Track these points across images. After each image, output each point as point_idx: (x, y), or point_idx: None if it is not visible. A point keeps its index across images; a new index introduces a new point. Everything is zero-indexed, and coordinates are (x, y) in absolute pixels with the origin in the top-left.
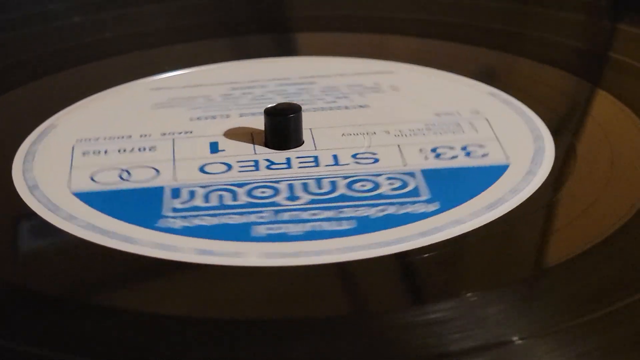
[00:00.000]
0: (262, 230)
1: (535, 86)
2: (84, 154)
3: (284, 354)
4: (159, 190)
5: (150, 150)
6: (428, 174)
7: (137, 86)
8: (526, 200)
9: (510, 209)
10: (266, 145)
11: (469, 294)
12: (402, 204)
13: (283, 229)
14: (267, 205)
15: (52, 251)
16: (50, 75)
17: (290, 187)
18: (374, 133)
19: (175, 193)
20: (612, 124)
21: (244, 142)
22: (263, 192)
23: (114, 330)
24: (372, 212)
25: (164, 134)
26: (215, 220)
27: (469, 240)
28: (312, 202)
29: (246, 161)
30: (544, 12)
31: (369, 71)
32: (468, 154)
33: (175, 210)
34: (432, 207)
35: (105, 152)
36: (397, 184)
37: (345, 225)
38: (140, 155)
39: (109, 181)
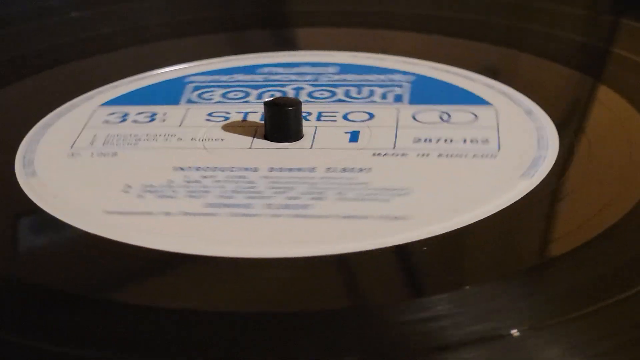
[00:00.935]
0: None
1: (537, 81)
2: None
3: (281, 347)
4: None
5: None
6: None
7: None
8: (529, 192)
9: (511, 202)
10: (265, 136)
11: (467, 287)
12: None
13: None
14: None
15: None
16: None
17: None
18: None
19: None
20: (613, 118)
21: (249, 128)
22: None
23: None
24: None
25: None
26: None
27: (470, 233)
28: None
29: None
30: (546, 7)
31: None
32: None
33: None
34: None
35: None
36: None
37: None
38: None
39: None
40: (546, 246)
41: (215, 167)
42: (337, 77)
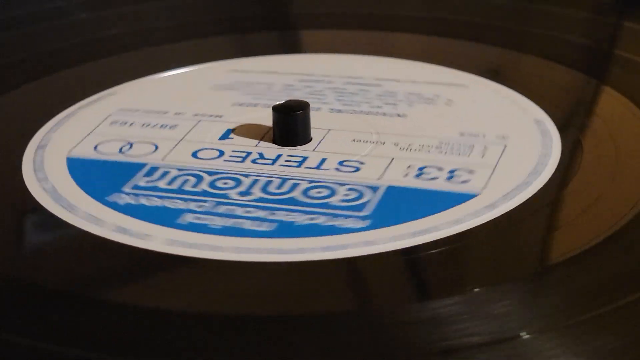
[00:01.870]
0: (188, 218)
1: (541, 83)
2: (112, 123)
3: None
4: (139, 166)
5: (170, 128)
6: (391, 192)
7: (218, 66)
8: (533, 195)
9: (517, 205)
10: (274, 140)
11: (475, 289)
12: (335, 215)
13: (207, 221)
14: (216, 196)
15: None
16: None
17: (253, 183)
18: (383, 143)
19: (151, 171)
20: (617, 120)
21: (258, 132)
22: (225, 183)
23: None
24: (300, 219)
25: (196, 115)
26: (158, 202)
27: (475, 237)
28: (259, 200)
29: (239, 152)
30: (549, 9)
31: (437, 81)
32: (450, 178)
33: (135, 187)
34: (360, 224)
35: (132, 124)
36: (353, 195)
37: (264, 227)
38: (156, 130)
39: (108, 152)
40: (552, 250)
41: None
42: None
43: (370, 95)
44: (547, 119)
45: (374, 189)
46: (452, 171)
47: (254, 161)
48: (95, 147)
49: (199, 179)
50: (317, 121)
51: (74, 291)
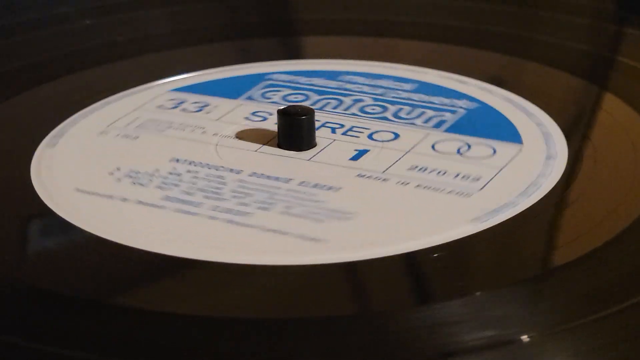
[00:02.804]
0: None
1: (543, 89)
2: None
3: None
4: None
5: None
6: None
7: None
8: (537, 201)
9: (521, 210)
10: (278, 144)
11: (476, 293)
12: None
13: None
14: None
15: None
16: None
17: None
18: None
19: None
20: (618, 126)
21: (264, 135)
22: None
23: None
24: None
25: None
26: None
27: (478, 240)
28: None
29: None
30: (551, 16)
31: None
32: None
33: None
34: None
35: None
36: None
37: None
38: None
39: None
40: (554, 253)
41: (207, 164)
42: (405, 94)
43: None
44: (550, 124)
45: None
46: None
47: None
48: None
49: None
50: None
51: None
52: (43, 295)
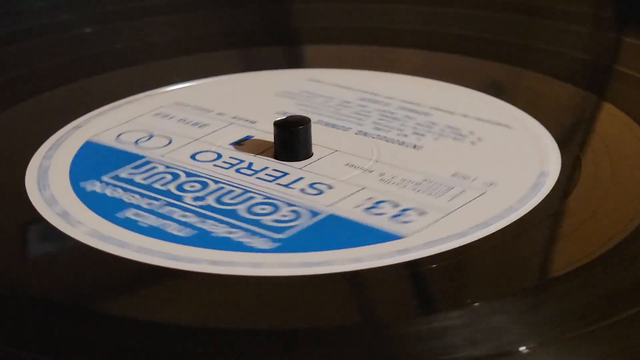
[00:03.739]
0: (128, 213)
1: (542, 99)
2: (156, 114)
3: None
4: (135, 158)
5: (200, 126)
6: (328, 220)
7: (296, 73)
8: (532, 210)
9: (516, 219)
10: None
11: (476, 304)
12: (253, 233)
13: (142, 219)
14: (171, 197)
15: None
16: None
17: (215, 190)
18: (371, 171)
19: (142, 165)
20: (616, 136)
21: (268, 143)
22: (192, 187)
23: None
24: (220, 231)
25: (234, 117)
26: (118, 194)
27: (475, 250)
28: (206, 207)
29: (234, 159)
30: (549, 25)
31: (484, 118)
32: (395, 216)
33: (115, 177)
34: (266, 245)
35: (172, 117)
36: (290, 217)
37: (182, 233)
38: (185, 127)
39: (127, 140)
40: (552, 264)
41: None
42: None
43: (410, 123)
44: (546, 134)
45: (314, 214)
46: (404, 210)
47: (238, 170)
48: (118, 136)
49: (175, 177)
50: (332, 140)
51: None
52: (34, 302)
